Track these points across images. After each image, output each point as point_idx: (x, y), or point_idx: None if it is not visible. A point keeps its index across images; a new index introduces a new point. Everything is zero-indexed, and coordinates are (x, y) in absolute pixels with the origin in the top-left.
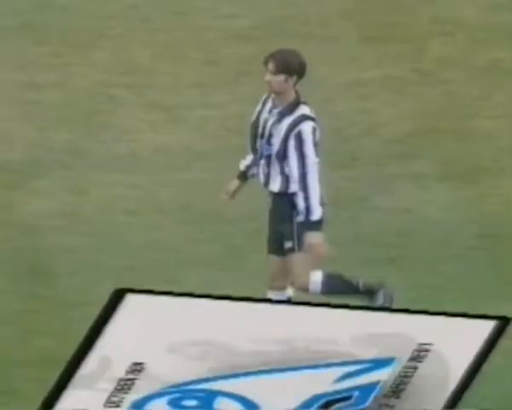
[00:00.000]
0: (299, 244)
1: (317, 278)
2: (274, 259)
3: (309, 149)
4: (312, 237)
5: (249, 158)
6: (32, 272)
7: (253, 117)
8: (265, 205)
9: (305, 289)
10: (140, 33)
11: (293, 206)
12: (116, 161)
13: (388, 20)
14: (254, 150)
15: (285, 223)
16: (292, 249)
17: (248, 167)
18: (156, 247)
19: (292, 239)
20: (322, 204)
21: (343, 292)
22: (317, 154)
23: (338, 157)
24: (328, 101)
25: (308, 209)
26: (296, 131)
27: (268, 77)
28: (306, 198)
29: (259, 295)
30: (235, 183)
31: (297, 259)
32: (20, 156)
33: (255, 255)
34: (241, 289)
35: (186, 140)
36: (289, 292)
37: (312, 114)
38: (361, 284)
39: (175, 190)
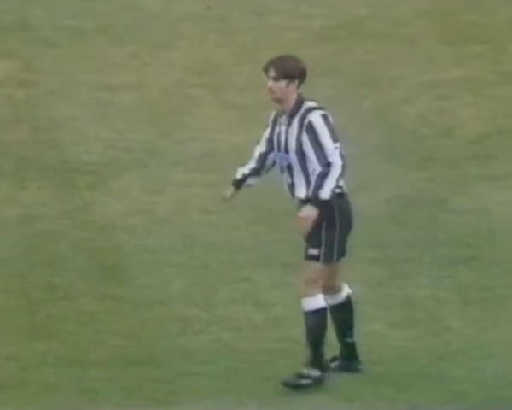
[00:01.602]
0: (325, 254)
1: (317, 302)
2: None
3: (325, 137)
4: (305, 210)
5: (248, 167)
6: (107, 272)
7: (267, 135)
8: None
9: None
10: (217, 34)
11: (327, 213)
12: (191, 160)
13: (467, 19)
14: (262, 163)
15: (313, 230)
16: (316, 258)
17: (246, 176)
18: (230, 246)
19: (318, 248)
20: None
21: (314, 335)
22: (337, 138)
23: (415, 158)
24: (405, 101)
25: (320, 187)
26: (306, 123)
27: (270, 83)
28: (323, 177)
29: None
30: (230, 189)
31: (313, 268)
32: (96, 157)
33: None
34: None
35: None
36: (347, 290)
37: (320, 105)
38: (321, 352)
39: (249, 190)
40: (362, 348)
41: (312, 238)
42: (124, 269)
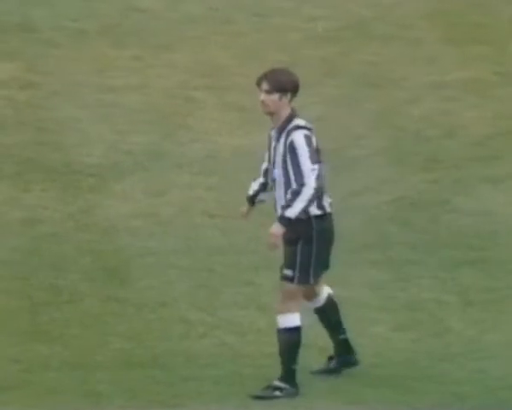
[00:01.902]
0: (299, 277)
1: (292, 321)
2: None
3: (304, 157)
4: (273, 227)
5: (257, 183)
6: (111, 274)
7: (267, 151)
8: (343, 207)
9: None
10: (220, 35)
11: (299, 234)
12: (194, 162)
13: (471, 21)
14: (267, 178)
15: (289, 249)
16: (290, 279)
17: (257, 192)
18: (233, 249)
19: (293, 269)
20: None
21: (286, 354)
22: (317, 159)
23: (419, 159)
24: (409, 102)
25: (289, 205)
26: (289, 141)
27: (262, 96)
28: (294, 196)
29: (338, 299)
30: (245, 206)
31: (288, 288)
32: (99, 159)
33: (333, 257)
34: None
35: (265, 142)
36: (327, 290)
37: (307, 125)
38: (294, 368)
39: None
40: (364, 350)
41: (288, 258)
42: (127, 271)
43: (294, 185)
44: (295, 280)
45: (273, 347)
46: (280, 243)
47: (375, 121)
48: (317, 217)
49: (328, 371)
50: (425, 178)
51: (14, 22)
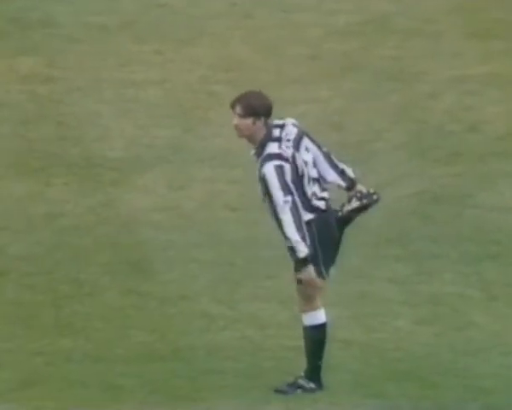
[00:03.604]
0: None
1: (318, 318)
2: None
3: (275, 190)
4: (303, 274)
5: None
6: (132, 267)
7: None
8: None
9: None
10: (241, 30)
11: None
12: (216, 156)
13: (494, 16)
14: None
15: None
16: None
17: None
18: (255, 243)
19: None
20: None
21: (314, 350)
22: (289, 189)
23: (441, 153)
24: (431, 96)
25: (293, 250)
26: (262, 175)
27: (235, 121)
28: (288, 241)
29: (360, 293)
30: None
31: (303, 287)
32: (120, 153)
33: (352, 252)
34: (337, 286)
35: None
36: None
37: (280, 150)
38: (320, 364)
39: None
40: (387, 344)
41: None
42: (149, 265)
43: (275, 222)
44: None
45: (294, 340)
46: (312, 282)
47: (396, 115)
48: (312, 221)
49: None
50: (447, 172)
51: (35, 18)
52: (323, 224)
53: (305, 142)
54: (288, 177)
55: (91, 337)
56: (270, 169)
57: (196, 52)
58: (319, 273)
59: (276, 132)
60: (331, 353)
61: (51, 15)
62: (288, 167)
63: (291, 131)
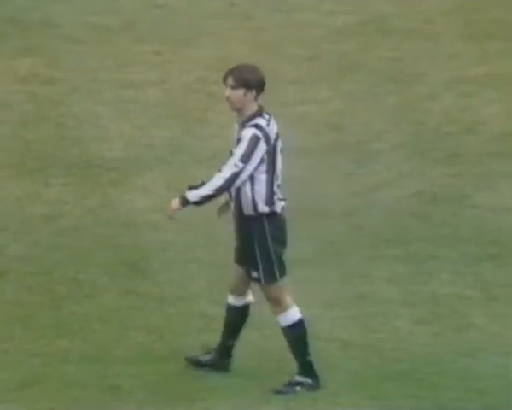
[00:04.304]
0: (265, 277)
1: (292, 316)
2: (237, 267)
3: (239, 150)
4: (175, 202)
5: None
6: (131, 268)
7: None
8: (363, 201)
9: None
10: (241, 31)
11: (252, 232)
12: (215, 157)
13: (492, 16)
14: None
15: (246, 248)
16: (258, 280)
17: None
18: None
19: (257, 270)
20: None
21: (299, 346)
22: (247, 160)
23: (440, 154)
24: (429, 97)
25: (197, 187)
26: (240, 136)
27: (227, 92)
28: (206, 182)
29: (359, 294)
30: (221, 201)
31: (264, 290)
32: (119, 154)
33: (353, 252)
34: (336, 286)
35: (285, 136)
36: (250, 298)
37: (266, 127)
38: (310, 359)
39: None
40: (386, 344)
41: (249, 259)
42: (147, 265)
43: (222, 173)
44: (262, 280)
45: None
46: (175, 215)
47: (395, 116)
48: (268, 215)
49: (197, 364)
50: (446, 172)
51: (35, 18)
52: (278, 224)
53: (280, 144)
54: (258, 152)
55: (89, 338)
56: (248, 134)
57: (195, 53)
58: (272, 274)
59: (265, 115)
60: (330, 353)
61: (51, 16)
62: (263, 145)
63: (274, 126)
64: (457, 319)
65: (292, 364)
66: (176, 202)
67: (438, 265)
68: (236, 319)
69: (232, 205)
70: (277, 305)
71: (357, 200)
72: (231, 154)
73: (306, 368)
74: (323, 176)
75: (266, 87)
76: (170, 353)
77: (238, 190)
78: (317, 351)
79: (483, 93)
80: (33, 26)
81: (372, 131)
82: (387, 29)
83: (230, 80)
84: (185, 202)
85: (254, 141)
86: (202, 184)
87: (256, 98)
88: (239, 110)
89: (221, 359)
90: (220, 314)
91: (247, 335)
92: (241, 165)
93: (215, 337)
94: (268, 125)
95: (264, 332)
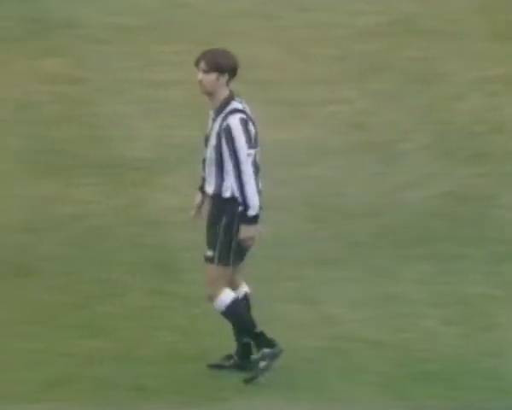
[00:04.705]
0: (220, 257)
1: (226, 298)
2: None
3: (239, 142)
4: (246, 231)
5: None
6: (157, 268)
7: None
8: (390, 201)
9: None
10: (265, 30)
11: (223, 213)
12: None
13: None
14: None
15: (212, 229)
16: (211, 259)
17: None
18: (278, 243)
19: (214, 249)
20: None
21: (241, 325)
22: (255, 144)
23: (465, 154)
24: (456, 97)
25: (245, 204)
26: (225, 125)
27: (200, 76)
28: (243, 194)
29: (387, 294)
30: (197, 196)
31: (211, 270)
32: (146, 154)
33: (379, 252)
34: (363, 286)
35: (311, 136)
36: (245, 289)
37: (244, 108)
38: (259, 331)
39: (299, 187)
40: (413, 345)
41: (210, 239)
42: (173, 265)
43: (232, 173)
44: (216, 260)
45: (319, 340)
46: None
47: (421, 116)
48: (240, 203)
49: (221, 367)
50: (472, 172)
51: (60, 19)
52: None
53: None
54: (252, 133)
55: (116, 338)
56: (235, 121)
57: None
58: (226, 258)
59: (237, 98)
60: (358, 354)
61: (75, 16)
62: (251, 125)
63: (247, 108)
64: (485, 319)
65: (319, 364)
66: (251, 233)
67: (465, 265)
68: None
69: (208, 191)
70: (212, 286)
71: (383, 200)
72: (207, 141)
73: (260, 340)
74: (350, 176)
75: (293, 87)
76: (195, 353)
77: (222, 173)
78: (345, 352)
79: (509, 93)
80: (58, 26)
81: (399, 131)
82: (414, 29)
83: (203, 64)
84: (253, 221)
85: (244, 124)
86: (245, 200)
87: (228, 83)
88: (210, 94)
89: (243, 360)
90: None
91: (272, 335)
92: (252, 151)
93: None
94: (244, 107)
95: (290, 333)
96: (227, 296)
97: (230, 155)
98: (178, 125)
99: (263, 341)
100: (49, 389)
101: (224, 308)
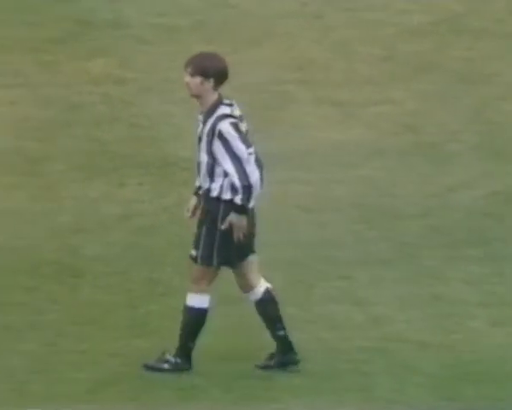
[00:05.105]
0: (202, 256)
1: (200, 301)
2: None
3: (236, 143)
4: (234, 218)
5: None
6: None
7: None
8: (439, 202)
9: (246, 292)
10: (312, 30)
11: (208, 213)
12: (287, 157)
13: None
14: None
15: (198, 229)
16: (194, 259)
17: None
18: (327, 243)
19: (197, 249)
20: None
21: (188, 331)
22: (249, 143)
23: (503, 154)
24: (503, 98)
25: (236, 192)
26: (217, 131)
27: (187, 78)
28: (240, 180)
29: (435, 294)
30: (192, 199)
31: (195, 269)
32: (192, 153)
33: (429, 253)
34: (412, 287)
35: (360, 137)
36: (265, 285)
37: (233, 113)
38: (192, 346)
39: (349, 188)
40: (462, 346)
41: (195, 239)
42: None
43: (236, 175)
44: (199, 260)
45: (369, 341)
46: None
47: (469, 117)
48: (226, 202)
49: (268, 368)
50: None
51: (105, 19)
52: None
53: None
54: (243, 132)
55: (165, 337)
56: (226, 125)
57: (266, 52)
58: (209, 259)
59: (226, 102)
60: (406, 354)
61: (120, 16)
62: (244, 126)
63: (237, 109)
64: None
65: (369, 365)
66: (235, 219)
67: None
68: (266, 310)
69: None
70: (195, 283)
71: (432, 200)
72: (200, 140)
73: (183, 350)
74: (400, 176)
75: (341, 87)
76: (243, 352)
77: (213, 175)
78: (395, 352)
79: None
80: (103, 26)
81: (447, 131)
82: (460, 28)
83: (189, 68)
84: (241, 210)
85: (236, 127)
86: (244, 196)
87: (215, 88)
88: (197, 97)
89: (285, 355)
90: (297, 315)
91: (323, 336)
92: (251, 149)
93: (291, 338)
94: (232, 111)
95: (341, 333)
96: (201, 301)
97: (232, 159)
98: None
99: (184, 354)
100: (98, 390)
101: (190, 306)
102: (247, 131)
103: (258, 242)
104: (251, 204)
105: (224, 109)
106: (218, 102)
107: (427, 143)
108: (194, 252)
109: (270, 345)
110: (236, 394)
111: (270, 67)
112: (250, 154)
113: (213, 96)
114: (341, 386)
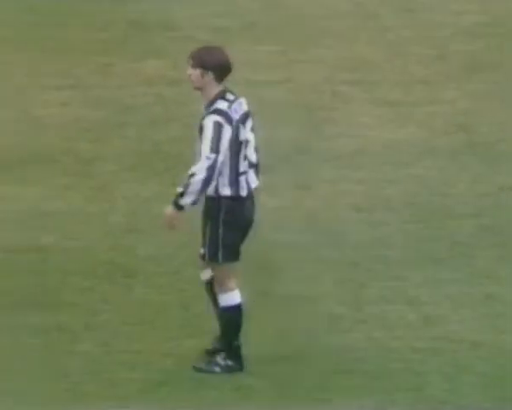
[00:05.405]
0: (209, 254)
1: (231, 298)
2: None
3: (205, 142)
4: (167, 210)
5: None
6: (256, 267)
7: None
8: (492, 201)
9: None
10: (367, 31)
11: (208, 210)
12: (341, 156)
13: None
14: None
15: (203, 224)
16: (203, 257)
17: None
18: (380, 243)
19: (204, 247)
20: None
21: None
22: (217, 149)
23: None
24: None
25: (184, 193)
26: (202, 124)
27: (188, 71)
28: (186, 187)
29: (487, 294)
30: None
31: (217, 271)
32: None
33: (481, 253)
34: (464, 287)
35: (414, 136)
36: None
37: (227, 109)
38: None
39: (401, 187)
40: None
41: (202, 237)
42: (272, 265)
43: (190, 169)
44: (206, 257)
45: (422, 342)
46: (175, 224)
47: None
48: (227, 198)
49: (209, 352)
50: None
51: (158, 21)
52: (238, 208)
53: (251, 122)
54: (225, 138)
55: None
56: (209, 122)
57: (320, 52)
58: (215, 256)
59: (229, 97)
60: (459, 354)
61: (171, 18)
62: (228, 129)
63: (241, 104)
64: None
65: (422, 365)
66: (170, 211)
67: None
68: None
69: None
70: (220, 285)
71: (486, 200)
72: (201, 132)
73: (231, 352)
74: (453, 176)
75: (395, 87)
76: (296, 353)
77: None
78: (447, 352)
79: None
80: (155, 28)
81: (500, 131)
82: None
83: (191, 60)
84: (180, 208)
85: (217, 128)
86: (186, 189)
87: (217, 81)
88: (199, 89)
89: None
90: (348, 314)
91: (375, 336)
92: (213, 156)
93: (342, 338)
94: (230, 107)
95: (393, 333)
96: (232, 298)
97: (198, 152)
98: (279, 125)
99: (234, 354)
100: (151, 390)
101: (223, 306)
102: (237, 134)
103: (307, 240)
104: (192, 199)
105: (219, 104)
106: (218, 96)
107: (480, 142)
108: (202, 250)
109: (326, 345)
110: (289, 394)
111: (323, 67)
112: (208, 158)
113: (215, 90)
114: (393, 385)
